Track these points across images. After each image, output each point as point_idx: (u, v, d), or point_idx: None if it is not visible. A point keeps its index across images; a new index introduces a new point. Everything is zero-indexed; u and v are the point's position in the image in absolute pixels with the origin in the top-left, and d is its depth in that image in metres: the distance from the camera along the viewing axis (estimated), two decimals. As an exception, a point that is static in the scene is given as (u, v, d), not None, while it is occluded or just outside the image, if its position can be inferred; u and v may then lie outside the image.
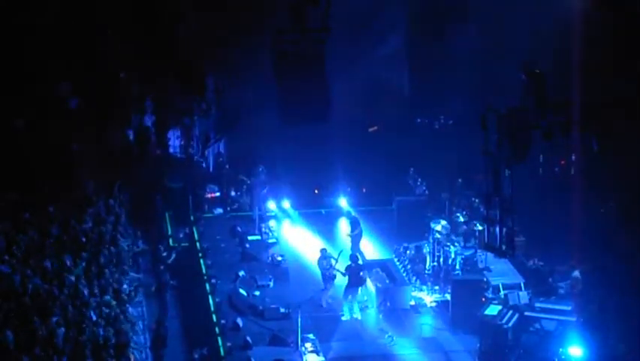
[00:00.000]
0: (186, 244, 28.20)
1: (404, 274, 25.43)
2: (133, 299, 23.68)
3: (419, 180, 29.83)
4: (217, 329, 22.74)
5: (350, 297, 24.00)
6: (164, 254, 26.76)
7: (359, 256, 24.74)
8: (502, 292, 23.51)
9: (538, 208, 26.49)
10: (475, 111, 18.61)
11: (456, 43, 30.42)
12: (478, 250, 24.79)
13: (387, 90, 32.94)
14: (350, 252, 25.85)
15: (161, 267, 26.04)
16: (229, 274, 25.81)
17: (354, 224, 26.97)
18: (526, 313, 22.50)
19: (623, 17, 24.31)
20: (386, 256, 26.78)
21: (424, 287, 25.08)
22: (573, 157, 28.14)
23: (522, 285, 23.91)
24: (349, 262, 24.20)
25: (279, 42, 15.44)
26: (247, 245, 27.86)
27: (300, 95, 15.40)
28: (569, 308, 22.62)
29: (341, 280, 24.43)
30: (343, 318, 23.85)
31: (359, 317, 23.94)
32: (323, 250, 25.15)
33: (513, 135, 18.11)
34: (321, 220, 29.14)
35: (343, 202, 29.81)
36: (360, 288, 24.18)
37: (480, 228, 25.02)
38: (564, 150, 28.09)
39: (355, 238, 26.80)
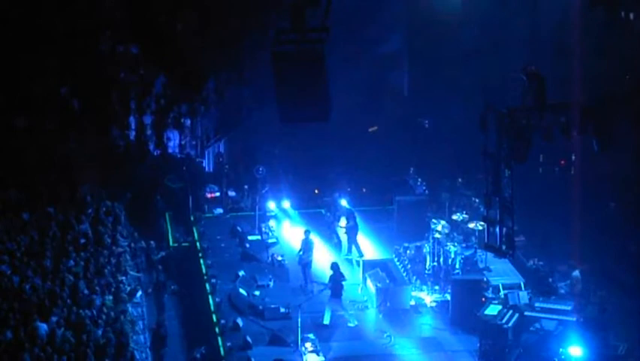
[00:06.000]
0: (186, 244, 28.21)
1: (404, 274, 25.42)
2: (133, 299, 23.67)
3: (419, 180, 29.81)
4: (217, 329, 22.73)
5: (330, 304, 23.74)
6: (155, 252, 26.74)
7: (340, 265, 24.41)
8: (502, 292, 23.49)
9: (538, 208, 26.47)
10: (475, 111, 18.61)
11: (456, 43, 30.40)
12: (478, 250, 24.78)
13: (387, 90, 32.94)
14: (346, 252, 26.32)
15: (159, 266, 26.06)
16: (229, 274, 25.80)
17: (349, 217, 27.00)
18: (526, 313, 22.50)
19: (622, 17, 24.33)
20: (386, 256, 26.76)
21: (424, 287, 25.04)
22: (573, 157, 28.12)
23: (522, 285, 23.90)
24: (331, 272, 24.04)
25: (279, 42, 15.41)
26: (247, 245, 27.86)
27: (300, 95, 15.34)
28: (569, 308, 22.63)
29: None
30: (324, 322, 23.30)
31: (327, 323, 23.33)
32: (307, 232, 25.32)
33: (513, 135, 18.12)
34: (321, 220, 29.11)
35: (343, 202, 29.81)
36: (340, 298, 23.92)
37: (480, 228, 25.02)
38: (564, 150, 28.07)
39: (350, 231, 26.83)
